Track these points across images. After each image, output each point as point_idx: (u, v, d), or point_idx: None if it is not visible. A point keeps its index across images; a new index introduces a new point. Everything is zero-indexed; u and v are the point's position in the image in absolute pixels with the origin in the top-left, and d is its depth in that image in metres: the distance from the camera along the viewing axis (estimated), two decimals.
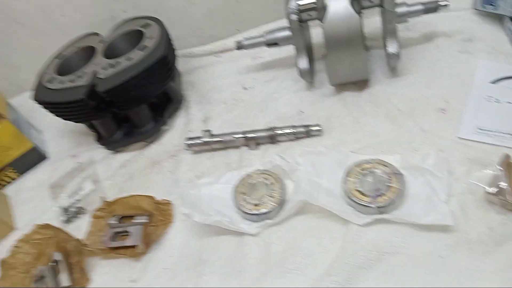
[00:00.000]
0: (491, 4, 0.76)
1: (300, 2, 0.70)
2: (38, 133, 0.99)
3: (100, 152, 0.89)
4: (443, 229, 0.55)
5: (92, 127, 0.88)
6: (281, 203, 0.65)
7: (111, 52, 0.82)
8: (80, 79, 0.77)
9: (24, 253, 0.74)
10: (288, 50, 0.91)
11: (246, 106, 0.85)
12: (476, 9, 0.80)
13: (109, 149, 0.87)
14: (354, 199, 0.60)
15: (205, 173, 0.77)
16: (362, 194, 0.60)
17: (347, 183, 0.62)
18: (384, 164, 0.62)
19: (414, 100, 0.72)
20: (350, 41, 0.67)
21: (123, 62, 0.76)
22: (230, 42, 0.98)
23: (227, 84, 0.91)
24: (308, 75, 0.77)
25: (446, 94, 0.70)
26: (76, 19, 0.97)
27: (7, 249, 0.77)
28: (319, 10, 0.70)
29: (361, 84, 0.78)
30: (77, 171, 0.87)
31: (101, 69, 0.77)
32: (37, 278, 0.71)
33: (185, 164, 0.79)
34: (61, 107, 0.77)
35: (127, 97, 0.76)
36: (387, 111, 0.72)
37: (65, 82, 0.78)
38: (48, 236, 0.75)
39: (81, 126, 0.96)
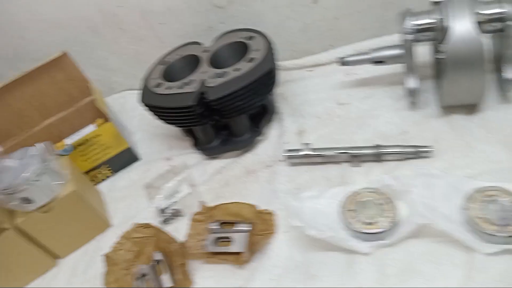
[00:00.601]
0: None
1: (418, 22, 0.70)
2: (129, 134, 1.03)
3: (194, 157, 0.92)
4: None
5: (189, 132, 0.91)
6: (394, 224, 0.64)
7: (215, 62, 0.85)
8: (188, 87, 0.80)
9: (126, 250, 0.76)
10: (386, 68, 0.91)
11: (342, 122, 0.85)
12: None
13: (205, 155, 0.89)
14: (479, 227, 0.58)
15: (303, 186, 0.77)
16: (488, 222, 0.58)
17: (470, 210, 0.60)
18: (510, 193, 0.60)
19: None
20: (472, 63, 0.66)
21: (231, 73, 0.78)
22: (323, 57, 0.99)
23: (320, 99, 0.92)
24: (416, 95, 0.76)
25: None
26: (174, 28, 1.01)
27: (107, 245, 0.80)
28: (438, 31, 0.69)
29: (470, 108, 0.76)
30: (172, 173, 0.90)
31: (209, 78, 0.79)
32: (139, 276, 0.73)
33: (282, 175, 0.80)
34: (169, 112, 0.80)
35: (233, 106, 0.77)
36: (502, 138, 0.70)
37: (173, 88, 0.81)
38: (148, 236, 0.78)
39: (173, 131, 0.99)
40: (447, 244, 0.61)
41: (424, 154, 0.72)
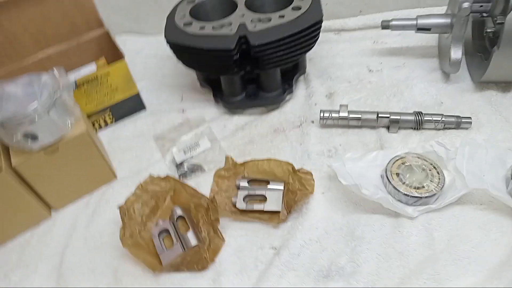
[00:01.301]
0: None
1: None
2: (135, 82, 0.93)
3: (211, 111, 0.84)
4: None
5: (209, 83, 0.83)
6: (441, 190, 0.63)
7: (251, 6, 0.77)
8: (226, 29, 0.72)
9: (142, 204, 0.68)
10: (417, 39, 0.90)
11: (374, 89, 0.83)
12: None
13: (227, 109, 0.82)
14: None
15: (338, 149, 0.74)
16: None
17: None
18: None
19: None
20: None
21: (275, 19, 0.72)
22: (351, 22, 0.96)
23: (349, 63, 0.89)
24: (458, 66, 0.76)
25: None
26: None
27: (113, 198, 0.71)
28: (496, 2, 0.69)
29: (504, 85, 0.77)
30: (187, 126, 0.82)
31: (251, 22, 0.72)
32: (159, 232, 0.65)
33: (314, 137, 0.76)
34: (202, 54, 0.71)
35: (275, 56, 0.71)
36: None
37: (208, 28, 0.73)
38: (167, 189, 0.70)
39: (185, 80, 0.91)
40: (493, 212, 0.61)
41: (463, 125, 0.72)
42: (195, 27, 0.74)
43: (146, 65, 0.97)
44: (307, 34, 0.71)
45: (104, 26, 0.83)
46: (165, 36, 0.74)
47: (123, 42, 1.04)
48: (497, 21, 0.68)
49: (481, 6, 0.70)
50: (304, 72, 0.85)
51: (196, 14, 0.78)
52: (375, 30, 0.84)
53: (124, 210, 0.66)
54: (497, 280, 0.54)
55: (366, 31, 0.93)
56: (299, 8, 0.73)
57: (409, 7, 0.93)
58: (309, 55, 0.92)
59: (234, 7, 0.77)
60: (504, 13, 0.67)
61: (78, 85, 0.76)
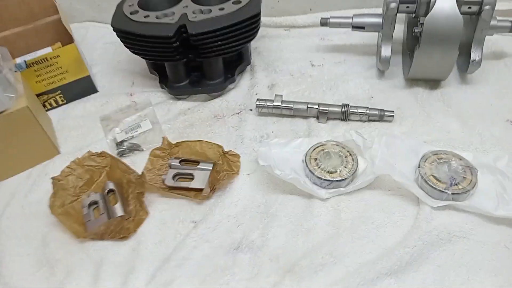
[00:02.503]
0: None
1: None
2: (89, 66, 0.97)
3: (158, 95, 0.89)
4: (511, 223, 0.60)
5: (156, 69, 0.87)
6: (354, 175, 0.67)
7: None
8: (168, 18, 0.76)
9: (76, 176, 0.72)
10: (359, 38, 0.94)
11: (314, 82, 0.87)
12: None
13: (172, 94, 0.86)
14: (430, 183, 0.63)
15: (270, 136, 0.78)
16: (438, 180, 0.63)
17: (424, 168, 0.65)
18: (460, 158, 0.66)
19: (483, 108, 0.77)
20: (448, 40, 0.70)
21: (216, 11, 0.76)
22: (301, 19, 1.00)
23: (294, 58, 0.93)
24: (387, 64, 0.80)
25: None
26: None
27: (54, 171, 0.75)
28: (420, 4, 0.73)
29: (432, 83, 0.82)
30: (133, 109, 0.86)
31: (192, 13, 0.77)
32: (89, 203, 0.69)
33: (250, 123, 0.80)
34: (144, 41, 0.75)
35: (213, 45, 0.75)
36: (458, 113, 0.76)
37: (151, 17, 0.77)
38: (103, 165, 0.74)
39: (137, 67, 0.95)
40: (399, 197, 0.65)
41: (386, 118, 0.76)
42: (140, 16, 0.78)
43: (104, 51, 1.02)
44: (245, 26, 0.76)
45: (59, 12, 0.88)
46: (111, 23, 0.79)
47: (85, 28, 1.09)
48: (420, 22, 0.73)
49: (408, 7, 0.75)
50: (249, 63, 0.90)
51: (145, 4, 0.82)
52: (322, 28, 0.88)
53: (56, 181, 0.70)
54: (387, 257, 0.58)
55: (314, 28, 0.97)
56: (239, 2, 0.78)
57: (356, 6, 0.97)
58: (258, 48, 0.97)
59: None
60: (427, 14, 0.71)
61: (28, 65, 0.80)
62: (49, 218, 0.68)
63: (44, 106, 0.88)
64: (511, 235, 0.59)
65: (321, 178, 0.66)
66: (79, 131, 0.84)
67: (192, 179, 0.71)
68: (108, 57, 1.00)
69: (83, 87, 0.89)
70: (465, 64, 0.79)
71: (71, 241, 0.66)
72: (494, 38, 0.83)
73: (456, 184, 0.63)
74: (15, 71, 0.78)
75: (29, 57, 0.83)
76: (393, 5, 0.73)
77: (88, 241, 0.65)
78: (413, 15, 0.77)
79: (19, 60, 0.83)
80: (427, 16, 0.70)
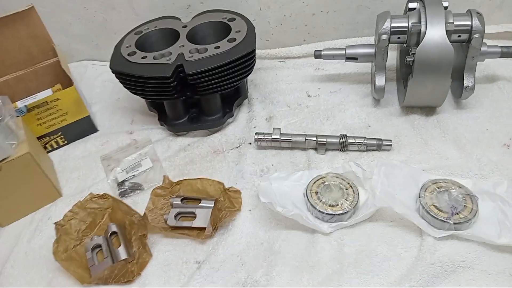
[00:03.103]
0: None
1: (394, 24, 0.75)
2: (88, 105, 0.98)
3: (158, 132, 0.90)
4: None
5: (155, 107, 0.89)
6: (355, 207, 0.67)
7: (193, 39, 0.84)
8: (165, 58, 0.78)
9: (79, 220, 0.73)
10: (353, 67, 0.96)
11: (311, 112, 0.88)
12: None
13: (171, 131, 0.87)
14: (432, 213, 0.63)
15: (270, 169, 0.79)
16: (439, 210, 0.64)
17: (425, 198, 0.65)
18: (459, 186, 0.66)
19: (479, 132, 0.77)
20: (440, 68, 0.72)
21: (211, 50, 0.78)
22: (296, 50, 1.02)
23: (290, 89, 0.95)
24: (382, 93, 0.81)
25: (510, 132, 0.76)
26: (152, 2, 0.98)
27: (57, 215, 0.75)
28: (410, 35, 0.75)
29: (427, 110, 0.83)
30: (133, 147, 0.87)
31: (188, 52, 0.78)
32: (93, 247, 0.69)
33: (249, 157, 0.81)
34: (142, 82, 0.77)
35: (210, 83, 0.77)
36: (455, 139, 0.77)
37: (149, 58, 0.79)
38: (105, 207, 0.75)
39: (136, 105, 0.96)
40: (401, 228, 0.65)
41: (384, 147, 0.77)
42: (138, 57, 0.80)
43: (103, 89, 1.03)
44: (240, 63, 0.77)
45: (58, 55, 0.90)
46: (110, 66, 0.80)
47: (84, 67, 1.11)
48: (411, 52, 0.74)
49: (399, 38, 0.77)
50: (246, 97, 0.91)
51: (142, 44, 0.84)
52: (317, 58, 0.90)
53: (59, 226, 0.70)
54: None
55: (309, 59, 0.99)
56: (234, 40, 0.80)
57: (349, 36, 1.00)
58: (254, 80, 0.98)
59: (176, 38, 0.83)
60: (418, 44, 0.73)
61: (29, 109, 0.82)
62: (53, 264, 0.68)
63: (45, 148, 0.89)
64: None
65: (323, 212, 0.67)
66: (80, 172, 0.85)
67: (194, 217, 0.71)
68: (107, 95, 1.02)
69: (83, 127, 0.91)
70: (458, 89, 0.80)
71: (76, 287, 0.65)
72: (486, 61, 0.85)
73: (458, 213, 0.63)
74: (16, 116, 0.79)
75: (29, 100, 0.85)
76: (384, 37, 0.75)
77: (92, 286, 0.65)
78: (405, 45, 0.79)
79: (20, 104, 0.85)
80: (418, 47, 0.71)
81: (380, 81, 0.80)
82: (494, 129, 0.78)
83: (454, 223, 0.62)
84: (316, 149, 0.79)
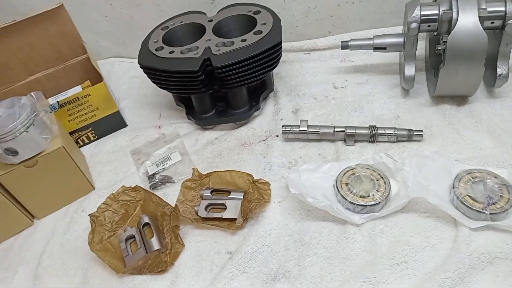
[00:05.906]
0: None
1: (424, 12, 0.74)
2: (117, 101, 1.00)
3: (185, 127, 0.91)
4: None
5: (183, 101, 0.90)
6: (387, 199, 0.67)
7: (219, 32, 0.84)
8: (192, 52, 0.79)
9: (112, 212, 0.74)
10: (380, 58, 0.95)
11: (338, 104, 0.87)
12: None
13: (199, 125, 0.88)
14: (467, 204, 0.62)
15: (298, 161, 0.78)
16: (474, 200, 0.62)
17: (459, 188, 0.64)
18: (495, 176, 0.65)
19: None
20: (473, 56, 0.70)
21: (238, 43, 0.78)
22: (321, 42, 1.02)
23: (316, 81, 0.94)
24: (412, 83, 0.80)
25: None
26: None
27: (90, 208, 0.77)
28: (441, 22, 0.73)
29: (459, 99, 0.81)
30: (162, 141, 0.88)
31: (215, 46, 0.79)
32: (126, 238, 0.71)
33: (277, 150, 0.81)
34: (170, 76, 0.78)
35: (237, 76, 0.77)
36: (488, 128, 0.75)
37: (176, 52, 0.80)
38: (137, 199, 0.76)
39: (164, 100, 0.98)
40: (434, 219, 0.64)
41: (415, 138, 0.75)
42: (165, 52, 0.81)
43: (130, 86, 1.05)
44: (267, 56, 0.77)
45: (87, 52, 0.92)
46: (138, 61, 0.82)
47: (111, 64, 1.13)
48: (443, 40, 0.73)
49: (429, 26, 0.75)
50: (272, 90, 0.91)
51: (168, 39, 0.85)
52: (343, 49, 0.90)
53: (94, 218, 0.72)
54: (428, 283, 0.57)
55: (335, 50, 0.98)
56: (260, 33, 0.79)
57: (374, 26, 0.98)
58: (280, 73, 0.98)
59: (202, 33, 0.84)
60: (449, 32, 0.71)
61: (60, 105, 0.84)
62: (88, 254, 0.70)
63: (77, 143, 0.91)
64: None
65: (354, 204, 0.66)
66: (111, 166, 0.87)
67: (225, 209, 0.72)
68: (134, 91, 1.04)
69: (113, 123, 0.93)
70: (491, 78, 0.78)
71: (111, 277, 0.67)
72: None
73: (494, 204, 0.61)
74: (50, 112, 0.82)
75: (61, 97, 0.87)
76: (414, 25, 0.74)
77: (127, 276, 0.67)
78: (435, 33, 0.77)
79: (51, 100, 0.87)
80: (450, 35, 0.70)
81: (409, 70, 0.79)
82: None
83: (490, 214, 0.61)
84: (344, 140, 0.79)
